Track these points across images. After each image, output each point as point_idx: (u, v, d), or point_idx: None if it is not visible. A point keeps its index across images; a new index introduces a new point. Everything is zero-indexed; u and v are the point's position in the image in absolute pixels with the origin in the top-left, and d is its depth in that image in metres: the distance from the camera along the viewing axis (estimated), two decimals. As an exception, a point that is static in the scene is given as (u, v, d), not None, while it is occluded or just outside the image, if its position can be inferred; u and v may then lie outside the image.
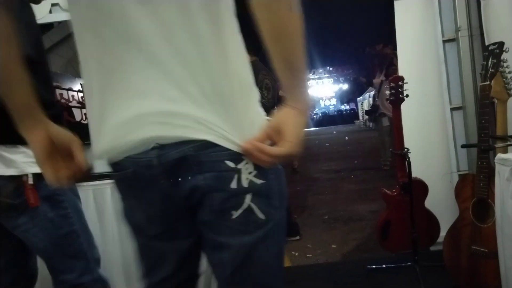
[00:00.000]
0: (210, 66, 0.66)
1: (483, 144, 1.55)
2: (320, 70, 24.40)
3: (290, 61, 0.67)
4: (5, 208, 1.16)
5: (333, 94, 27.47)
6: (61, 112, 1.31)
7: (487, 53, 1.62)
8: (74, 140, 0.78)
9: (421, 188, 2.06)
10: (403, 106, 2.06)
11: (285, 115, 0.70)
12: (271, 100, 2.86)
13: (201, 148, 0.67)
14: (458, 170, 2.50)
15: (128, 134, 0.68)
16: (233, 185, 0.69)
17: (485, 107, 1.59)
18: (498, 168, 1.23)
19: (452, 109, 2.50)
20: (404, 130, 2.07)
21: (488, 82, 1.58)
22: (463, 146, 2.08)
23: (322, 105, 29.03)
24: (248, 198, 0.71)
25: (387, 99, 1.97)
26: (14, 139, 1.08)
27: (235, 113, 0.68)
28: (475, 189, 1.60)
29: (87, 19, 0.68)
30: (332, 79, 26.11)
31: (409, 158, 1.96)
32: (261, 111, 0.74)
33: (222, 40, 0.67)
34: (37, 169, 1.16)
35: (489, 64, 1.60)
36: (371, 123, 8.39)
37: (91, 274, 1.28)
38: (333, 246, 2.93)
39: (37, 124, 0.76)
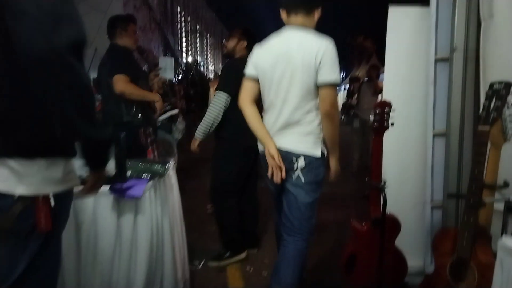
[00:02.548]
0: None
1: (473, 198, 1.35)
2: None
3: (334, 142, 1.73)
4: (3, 236, 0.95)
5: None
6: None
7: (490, 92, 1.40)
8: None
9: (394, 225, 1.87)
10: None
11: (332, 162, 1.79)
12: None
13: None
14: (432, 200, 2.33)
15: None
16: (295, 166, 1.69)
17: (481, 155, 1.38)
18: (501, 256, 1.01)
19: (434, 135, 2.31)
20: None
21: (488, 128, 1.36)
22: (449, 196, 1.88)
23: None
24: (299, 172, 1.69)
25: (371, 124, 1.73)
26: (31, 150, 0.92)
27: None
28: (457, 246, 1.41)
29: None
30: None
31: (385, 193, 1.75)
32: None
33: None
34: (57, 188, 0.98)
35: (492, 106, 1.37)
36: (343, 117, 8.26)
37: None
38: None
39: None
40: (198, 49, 17.30)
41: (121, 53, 2.66)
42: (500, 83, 1.39)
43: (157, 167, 1.94)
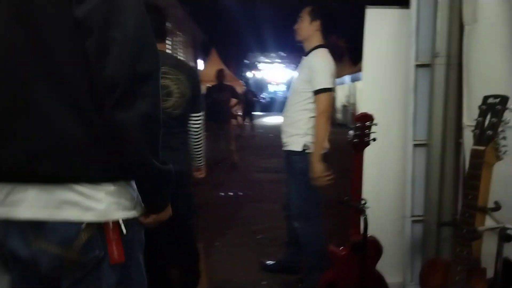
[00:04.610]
0: None
1: (468, 228, 1.18)
2: (273, 55, 24.01)
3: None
4: (70, 267, 0.86)
5: (283, 80, 27.30)
6: None
7: (484, 108, 1.23)
8: None
9: (375, 249, 1.70)
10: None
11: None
12: (172, 111, 1.80)
13: None
14: (412, 215, 2.19)
15: None
16: None
17: (476, 179, 1.21)
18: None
19: (414, 145, 2.16)
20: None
21: (483, 148, 1.20)
22: (441, 225, 1.72)
23: (271, 90, 28.83)
24: None
25: (349, 141, 1.54)
26: (98, 176, 0.87)
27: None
28: (450, 283, 1.24)
29: None
30: (283, 65, 25.82)
31: (366, 215, 1.57)
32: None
33: None
34: (127, 214, 0.90)
35: (487, 123, 1.21)
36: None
37: None
38: (263, 283, 2.53)
39: None
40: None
41: None
42: (495, 97, 1.22)
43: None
